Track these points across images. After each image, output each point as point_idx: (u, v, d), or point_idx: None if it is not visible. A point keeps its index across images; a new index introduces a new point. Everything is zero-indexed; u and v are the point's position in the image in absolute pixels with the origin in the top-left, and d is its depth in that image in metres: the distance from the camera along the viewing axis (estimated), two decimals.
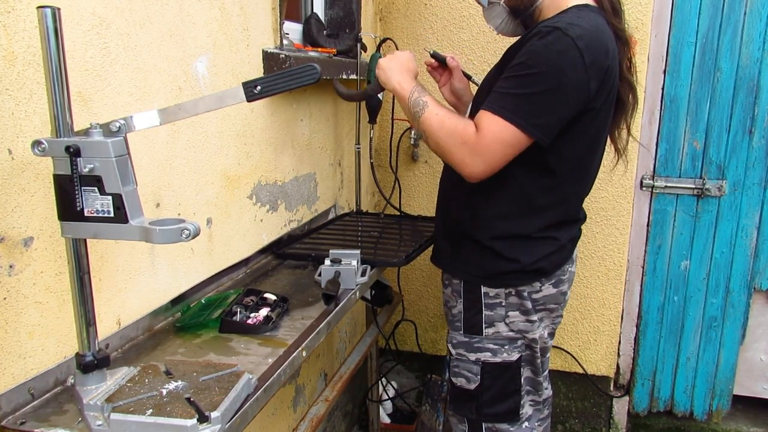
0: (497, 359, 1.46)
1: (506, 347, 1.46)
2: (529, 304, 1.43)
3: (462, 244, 1.48)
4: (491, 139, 1.25)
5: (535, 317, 1.44)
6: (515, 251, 1.41)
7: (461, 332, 1.49)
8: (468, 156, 1.28)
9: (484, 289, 1.45)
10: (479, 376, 1.47)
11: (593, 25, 1.28)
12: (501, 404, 1.49)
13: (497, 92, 1.27)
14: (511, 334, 1.45)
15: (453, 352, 1.51)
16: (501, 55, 1.43)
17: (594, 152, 1.43)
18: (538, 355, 1.48)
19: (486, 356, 1.46)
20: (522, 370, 1.49)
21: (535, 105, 1.24)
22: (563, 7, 1.36)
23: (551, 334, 1.54)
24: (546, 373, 1.57)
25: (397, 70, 1.44)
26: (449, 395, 1.57)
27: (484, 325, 1.46)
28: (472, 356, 1.47)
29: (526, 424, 1.53)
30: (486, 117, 1.26)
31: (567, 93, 1.24)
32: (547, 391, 1.58)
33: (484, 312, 1.45)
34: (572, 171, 1.39)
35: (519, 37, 1.41)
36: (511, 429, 1.52)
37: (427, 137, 1.36)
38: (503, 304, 1.44)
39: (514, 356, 1.46)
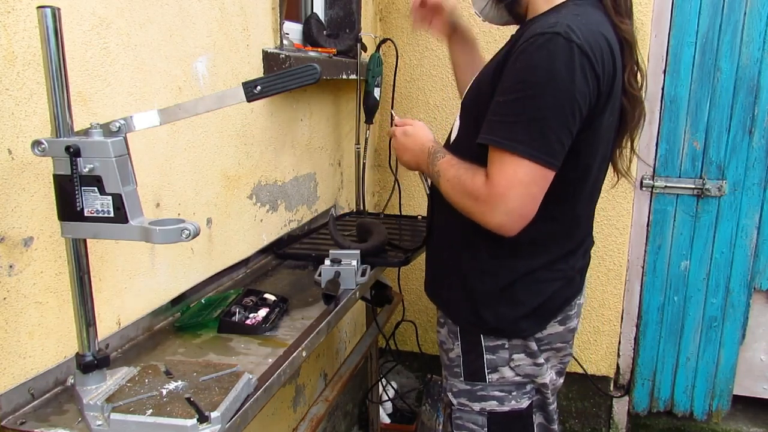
0: (505, 408, 1.28)
1: (514, 393, 1.28)
2: (533, 346, 1.25)
3: (454, 286, 1.30)
4: (505, 182, 1.06)
5: (541, 359, 1.26)
6: (519, 295, 1.23)
7: (461, 379, 1.31)
8: (487, 211, 1.10)
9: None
10: (486, 429, 1.29)
11: (595, 24, 1.10)
12: None
13: (499, 121, 1.08)
14: (518, 378, 1.27)
15: (454, 401, 1.33)
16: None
17: (601, 173, 1.29)
18: (551, 400, 1.32)
19: (492, 405, 1.28)
20: (534, 417, 1.31)
21: (546, 129, 1.04)
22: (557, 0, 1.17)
23: (560, 373, 1.37)
24: (557, 416, 1.38)
25: (412, 155, 1.30)
26: None
27: (486, 371, 1.27)
28: (476, 406, 1.29)
29: None
30: (493, 157, 1.08)
31: (578, 108, 1.06)
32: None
33: (485, 356, 1.27)
34: (581, 193, 1.24)
35: (509, 25, 1.29)
36: None
37: (455, 207, 1.19)
38: (506, 346, 1.26)
39: (524, 404, 1.28)
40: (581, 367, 2.50)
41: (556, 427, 1.35)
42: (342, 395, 2.21)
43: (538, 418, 1.33)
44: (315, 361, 2.11)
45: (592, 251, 2.54)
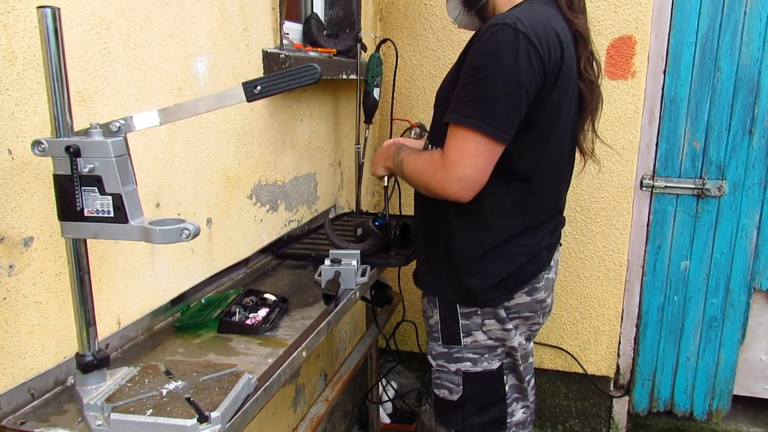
0: (478, 368, 1.43)
1: (486, 356, 1.42)
2: (502, 313, 1.39)
3: (433, 261, 1.45)
4: (456, 153, 1.23)
5: (509, 325, 1.41)
6: (488, 268, 1.36)
7: (440, 343, 1.45)
8: (443, 180, 1.26)
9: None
10: (461, 387, 1.44)
11: (544, 17, 1.25)
12: (486, 414, 1.46)
13: (455, 102, 1.24)
14: (490, 342, 1.42)
15: (433, 363, 1.48)
16: None
17: (562, 153, 1.40)
18: (520, 362, 1.45)
19: (466, 366, 1.43)
20: (506, 378, 1.46)
21: (494, 107, 1.19)
22: (516, 0, 1.33)
23: (529, 339, 1.49)
24: (530, 377, 1.52)
25: (381, 160, 1.54)
26: (434, 407, 1.52)
27: (461, 335, 1.42)
28: (453, 367, 1.44)
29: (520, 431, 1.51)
30: (449, 133, 1.24)
31: (524, 88, 1.20)
32: (532, 397, 1.54)
33: (460, 321, 1.42)
34: (542, 174, 1.35)
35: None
36: None
37: (419, 189, 1.39)
38: (479, 312, 1.40)
39: (495, 365, 1.43)
40: (581, 367, 2.50)
41: (526, 385, 1.48)
42: (342, 395, 2.21)
43: (510, 380, 1.47)
44: (315, 361, 2.11)
45: (591, 251, 2.55)
